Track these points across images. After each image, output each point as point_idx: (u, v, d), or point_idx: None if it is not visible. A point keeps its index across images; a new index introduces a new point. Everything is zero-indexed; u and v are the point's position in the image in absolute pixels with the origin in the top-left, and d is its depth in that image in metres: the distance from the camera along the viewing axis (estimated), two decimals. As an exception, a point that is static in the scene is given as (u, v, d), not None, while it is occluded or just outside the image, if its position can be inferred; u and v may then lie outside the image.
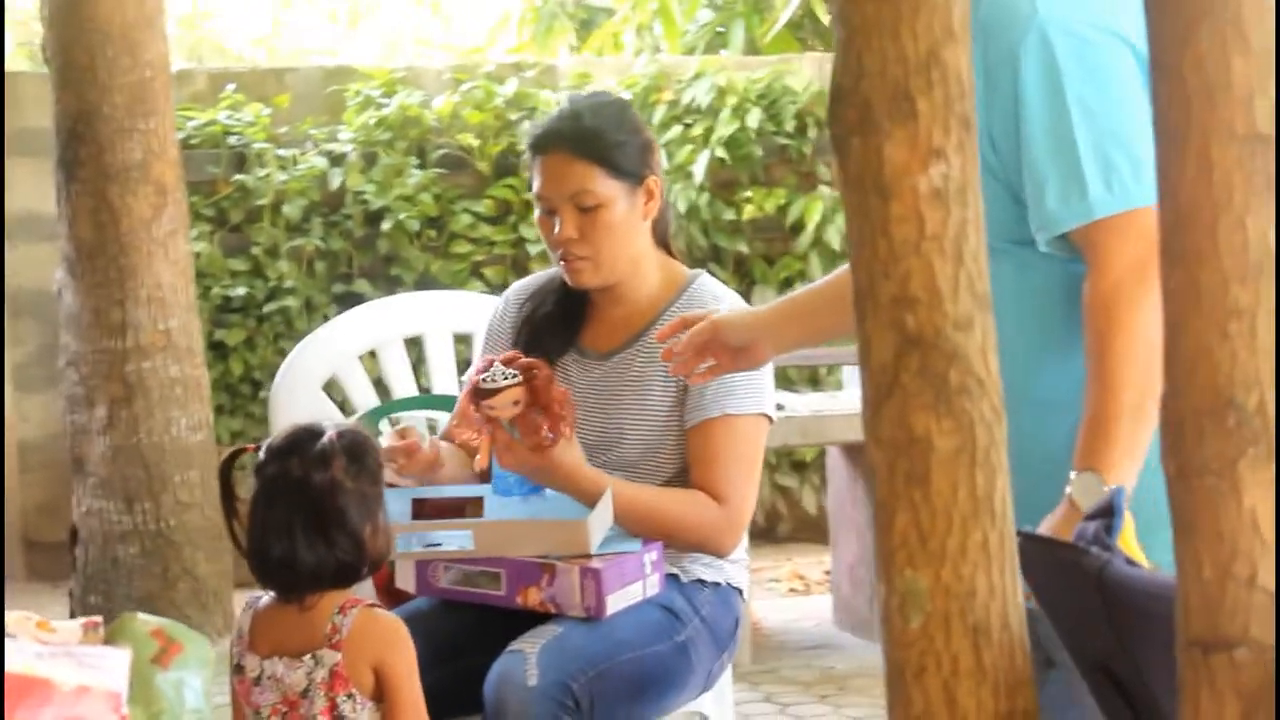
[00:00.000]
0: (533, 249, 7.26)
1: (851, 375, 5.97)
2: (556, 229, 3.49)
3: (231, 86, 7.49)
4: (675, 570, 3.47)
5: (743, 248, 7.46)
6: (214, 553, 6.06)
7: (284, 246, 7.26)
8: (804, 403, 5.82)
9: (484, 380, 3.26)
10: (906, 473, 1.71)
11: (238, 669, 2.93)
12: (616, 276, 3.53)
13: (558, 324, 3.61)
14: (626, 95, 7.53)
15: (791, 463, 7.45)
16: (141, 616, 1.96)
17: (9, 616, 1.96)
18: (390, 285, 7.10)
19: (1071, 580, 1.82)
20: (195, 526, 6.07)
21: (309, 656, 2.88)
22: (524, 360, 3.29)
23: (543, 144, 3.52)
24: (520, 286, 3.75)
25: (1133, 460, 2.41)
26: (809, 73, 7.69)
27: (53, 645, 1.89)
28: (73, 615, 5.79)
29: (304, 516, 2.86)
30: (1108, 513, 1.87)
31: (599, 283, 3.53)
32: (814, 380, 7.20)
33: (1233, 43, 1.53)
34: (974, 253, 1.73)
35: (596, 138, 3.49)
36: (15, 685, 1.82)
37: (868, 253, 1.73)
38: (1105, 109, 2.53)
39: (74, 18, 5.84)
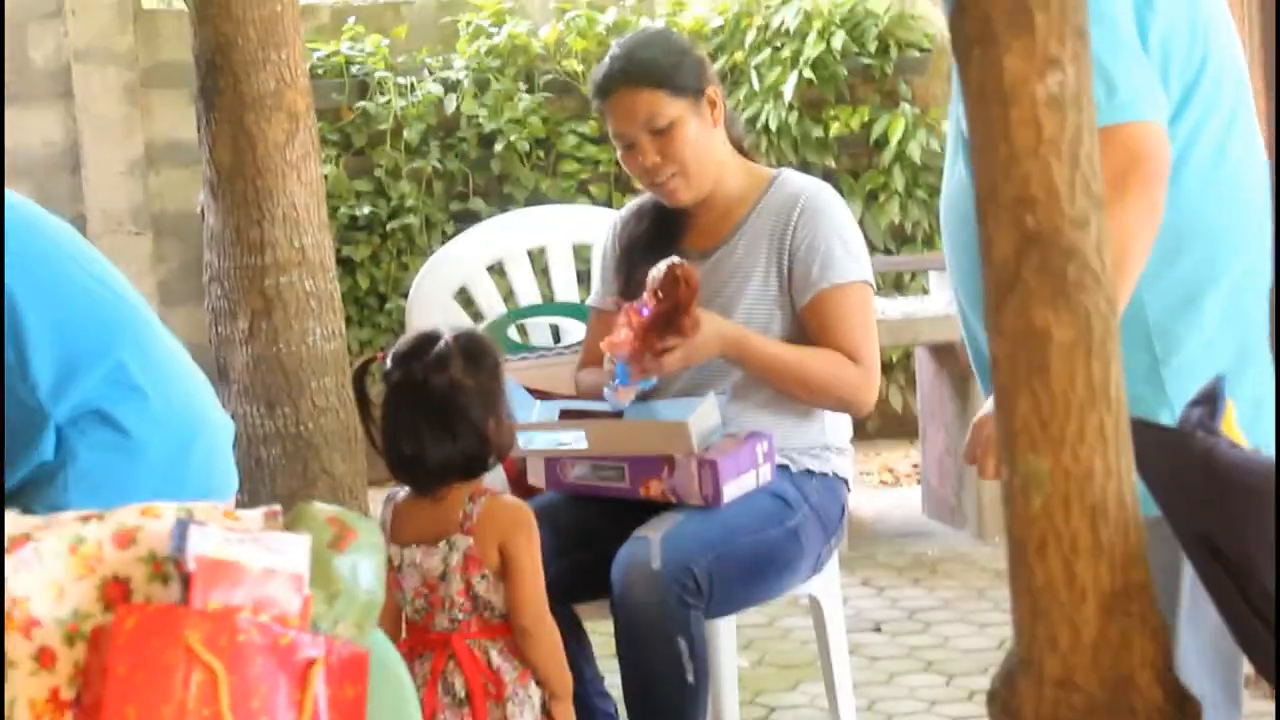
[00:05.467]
0: (635, 167, 7.24)
1: (938, 280, 5.96)
2: (641, 159, 3.50)
3: (352, 20, 7.50)
4: (785, 461, 3.49)
5: (830, 163, 7.42)
6: (349, 453, 6.09)
7: (404, 168, 7.28)
8: (893, 306, 5.81)
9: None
10: (1027, 363, 1.71)
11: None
12: (707, 186, 3.54)
13: (658, 234, 3.62)
14: (719, 21, 7.50)
15: (882, 364, 7.42)
16: (318, 505, 1.98)
17: (198, 506, 1.99)
18: (504, 203, 7.11)
19: (1178, 462, 1.82)
20: (331, 429, 6.10)
21: (443, 542, 2.92)
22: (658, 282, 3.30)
23: (605, 88, 3.54)
24: (624, 211, 3.76)
25: None
26: (891, -5, 7.63)
27: (238, 532, 1.92)
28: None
29: (429, 415, 2.89)
30: (1211, 399, 1.87)
31: (693, 197, 3.53)
32: (899, 285, 7.17)
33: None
34: (1089, 155, 1.72)
35: (651, 65, 3.50)
36: (208, 568, 1.85)
37: (989, 157, 1.73)
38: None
39: (210, -43, 5.84)
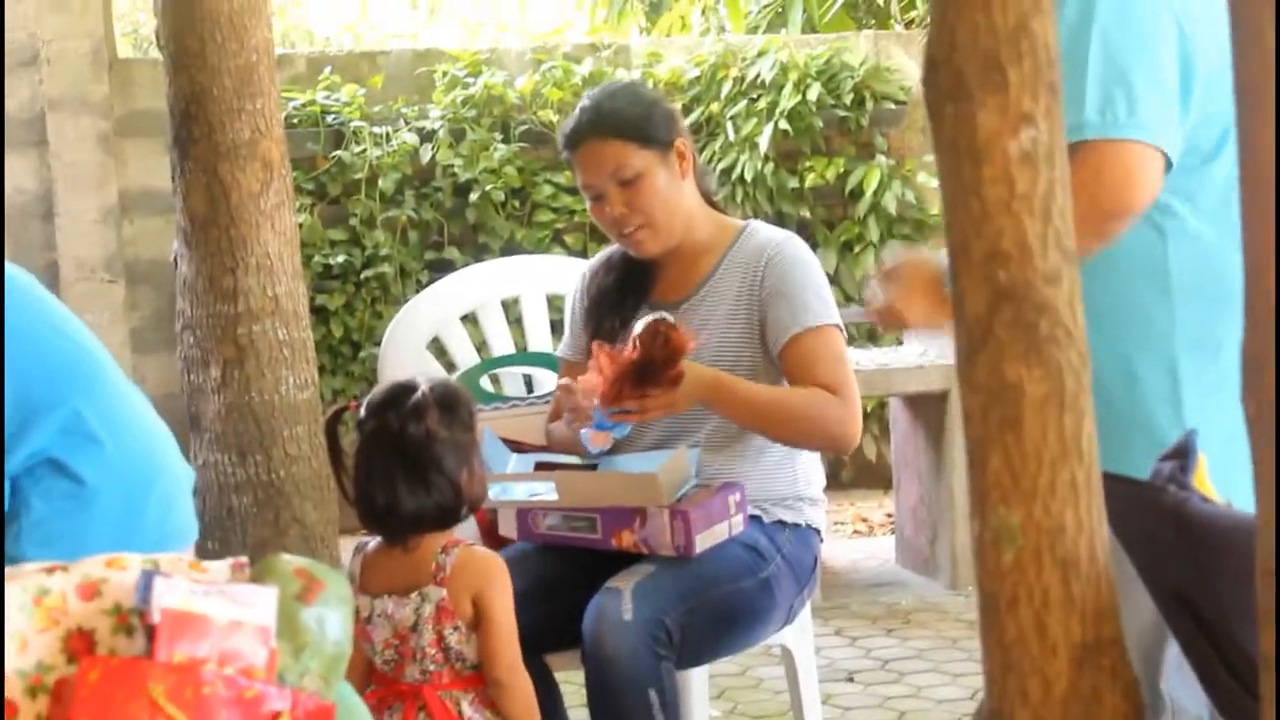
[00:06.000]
0: (609, 217, 7.26)
1: (911, 332, 5.96)
2: (608, 210, 3.49)
3: (328, 69, 7.50)
4: (757, 511, 3.48)
5: (805, 213, 7.44)
6: (321, 502, 6.07)
7: (379, 217, 7.27)
8: (867, 357, 5.82)
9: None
10: (1000, 417, 1.71)
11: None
12: (674, 238, 3.54)
13: (626, 286, 3.62)
14: (695, 72, 7.51)
15: (854, 414, 7.43)
16: (285, 556, 1.97)
17: (165, 557, 1.98)
18: (478, 252, 7.11)
19: (1150, 516, 1.82)
20: (303, 478, 6.08)
21: (416, 594, 2.91)
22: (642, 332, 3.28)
23: (574, 139, 3.54)
24: (592, 264, 3.76)
25: None
26: (865, 49, 7.66)
27: (204, 584, 1.90)
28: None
29: (403, 465, 2.89)
30: (1183, 453, 1.86)
31: (660, 248, 3.53)
32: (873, 337, 7.18)
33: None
34: (1061, 211, 1.71)
35: (618, 116, 3.50)
36: (173, 620, 1.83)
37: (961, 212, 1.72)
38: (1122, 47, 2.56)
39: (185, 7, 5.84)
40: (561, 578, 3.40)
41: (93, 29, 7.25)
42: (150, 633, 1.84)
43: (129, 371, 7.36)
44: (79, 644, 1.90)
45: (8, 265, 2.82)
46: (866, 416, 7.29)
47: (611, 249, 3.71)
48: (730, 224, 3.64)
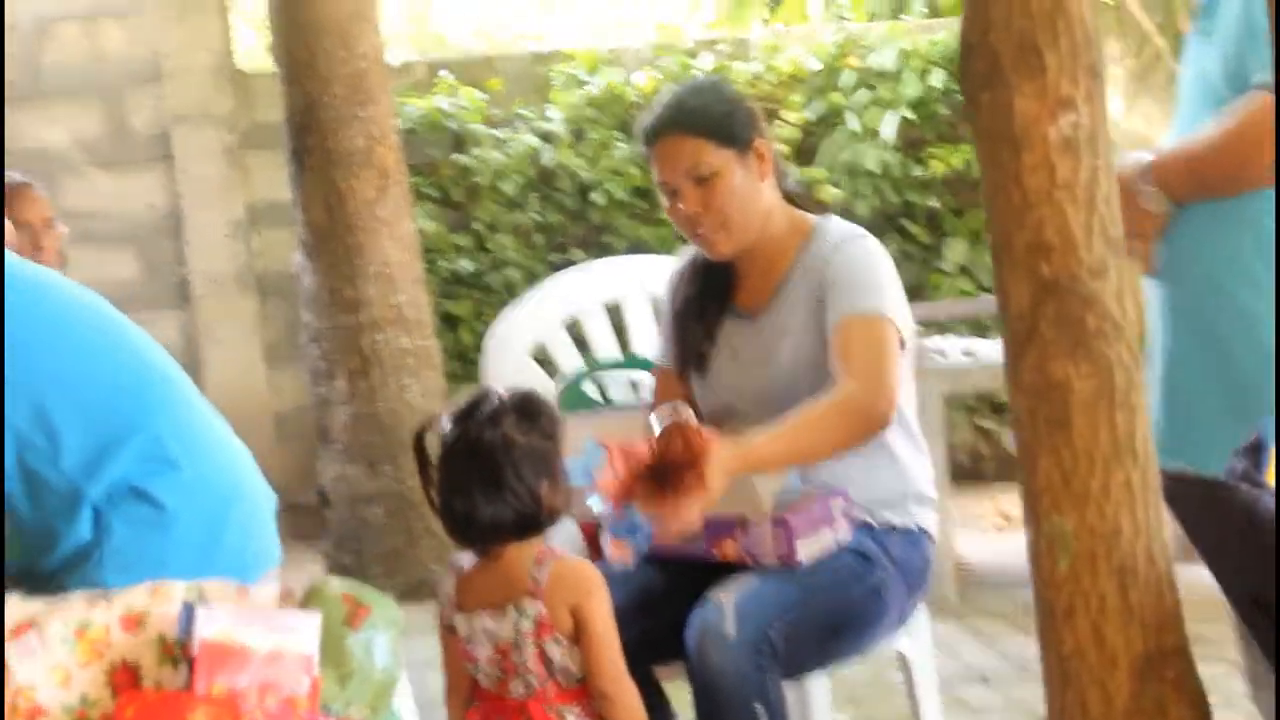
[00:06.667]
0: (735, 212, 7.21)
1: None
2: (683, 208, 3.43)
3: (446, 73, 7.50)
4: (866, 517, 3.40)
5: (933, 202, 7.33)
6: (451, 511, 6.08)
7: (503, 221, 7.26)
8: (998, 349, 5.70)
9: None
10: (1048, 417, 1.63)
11: (450, 629, 2.93)
12: (749, 239, 3.45)
13: (710, 294, 3.55)
14: (816, 64, 7.42)
15: (992, 405, 7.32)
16: (334, 581, 1.94)
17: (211, 584, 1.95)
18: (603, 253, 7.06)
19: (1223, 516, 1.73)
20: (434, 487, 6.09)
21: (512, 608, 2.86)
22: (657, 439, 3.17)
23: (652, 134, 3.47)
24: (673, 271, 3.68)
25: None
26: (992, 31, 7.53)
27: (248, 612, 1.87)
28: (329, 573, 5.84)
29: (479, 473, 2.84)
30: (1255, 449, 1.78)
31: (733, 249, 3.45)
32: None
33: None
34: (1106, 198, 1.64)
35: (698, 113, 3.42)
36: (212, 652, 1.81)
37: (1002, 203, 1.66)
38: None
39: (294, 17, 5.88)
40: (666, 590, 3.34)
41: (214, 42, 7.31)
42: (191, 664, 1.82)
43: (263, 386, 7.44)
44: (124, 677, 1.88)
45: (73, 285, 2.82)
46: (1005, 408, 7.20)
47: (688, 255, 3.64)
48: (803, 221, 3.55)
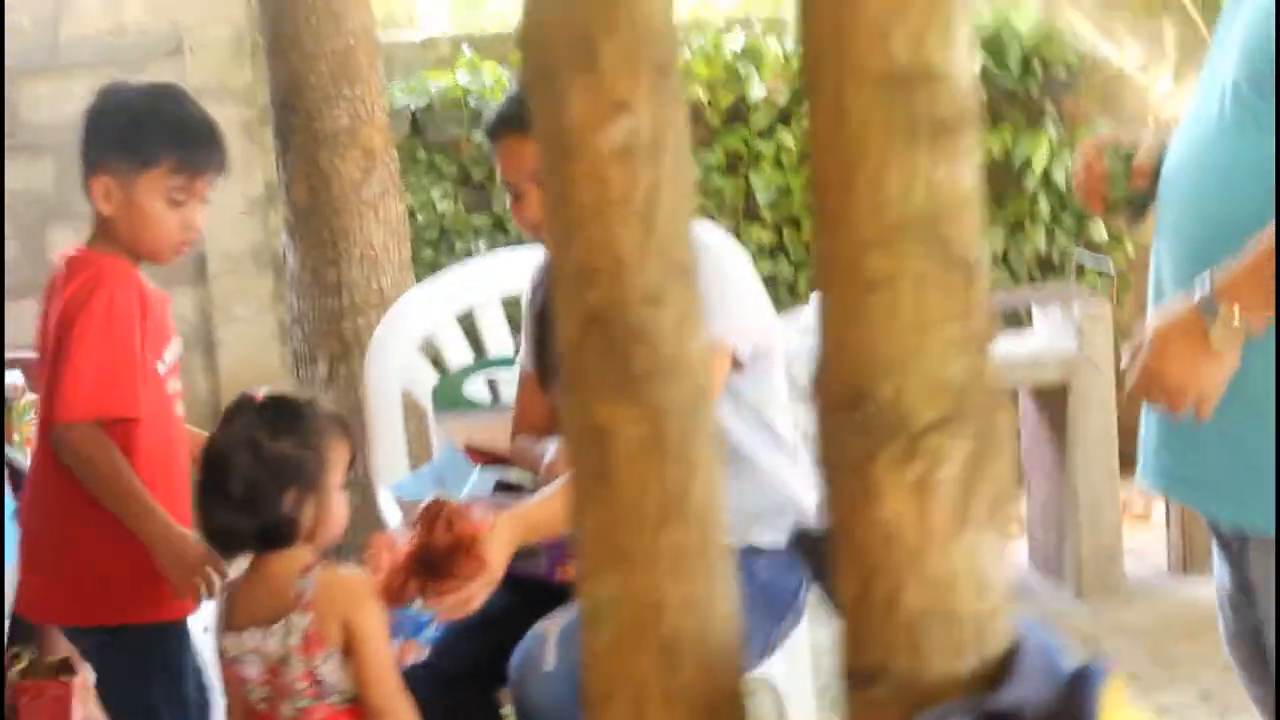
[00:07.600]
0: (762, 198, 6.98)
1: (1039, 316, 5.59)
2: (527, 213, 3.22)
3: (467, 49, 7.31)
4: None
5: (969, 190, 7.05)
6: (432, 501, 5.92)
7: (523, 202, 7.07)
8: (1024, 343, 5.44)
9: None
10: (591, 467, 1.42)
11: (220, 653, 2.79)
12: None
13: None
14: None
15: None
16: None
17: None
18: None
19: None
20: (415, 477, 5.93)
21: (280, 623, 2.70)
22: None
23: (494, 129, 3.27)
24: (533, 273, 3.50)
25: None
26: (1034, 12, 7.21)
27: None
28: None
29: (221, 480, 2.70)
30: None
31: None
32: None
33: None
34: (670, 216, 1.41)
35: None
36: None
37: (555, 219, 1.44)
38: None
39: (280, -10, 5.72)
40: (510, 611, 3.14)
41: (233, 15, 7.18)
42: None
43: (278, 364, 7.29)
44: None
45: None
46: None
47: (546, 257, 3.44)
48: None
